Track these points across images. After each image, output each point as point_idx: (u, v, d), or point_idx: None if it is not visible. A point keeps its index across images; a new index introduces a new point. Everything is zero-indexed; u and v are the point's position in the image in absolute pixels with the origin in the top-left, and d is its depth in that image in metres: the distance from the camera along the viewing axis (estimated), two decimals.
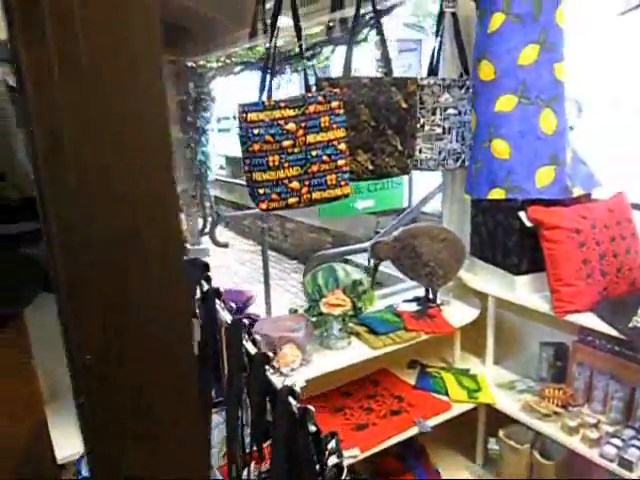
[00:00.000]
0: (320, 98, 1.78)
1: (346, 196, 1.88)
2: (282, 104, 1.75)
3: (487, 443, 2.24)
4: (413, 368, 2.34)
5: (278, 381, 0.88)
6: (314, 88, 1.88)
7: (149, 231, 0.51)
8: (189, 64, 6.94)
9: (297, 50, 1.90)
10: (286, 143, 1.76)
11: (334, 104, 1.81)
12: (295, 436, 0.80)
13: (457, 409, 2.07)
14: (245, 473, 0.95)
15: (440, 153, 2.16)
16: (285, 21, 1.92)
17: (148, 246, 0.51)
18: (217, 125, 7.71)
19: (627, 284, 1.92)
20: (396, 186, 3.79)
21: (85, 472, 1.25)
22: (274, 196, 1.79)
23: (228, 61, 6.48)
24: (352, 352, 1.93)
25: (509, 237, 2.09)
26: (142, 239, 0.51)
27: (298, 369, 1.76)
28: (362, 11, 2.05)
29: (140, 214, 0.51)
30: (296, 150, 1.77)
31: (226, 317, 0.93)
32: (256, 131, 1.74)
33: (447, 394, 2.11)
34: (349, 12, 2.38)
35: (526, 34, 1.85)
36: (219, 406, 1.07)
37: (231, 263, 7.19)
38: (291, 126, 1.75)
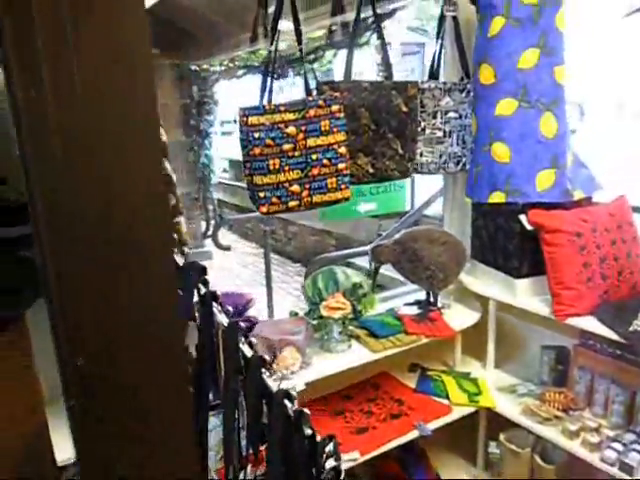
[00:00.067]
0: (320, 102, 1.79)
1: (346, 199, 1.89)
2: (282, 108, 1.76)
3: (488, 447, 2.24)
4: (414, 371, 2.34)
5: (275, 384, 0.88)
6: (315, 92, 1.89)
7: (140, 231, 0.52)
8: (193, 67, 6.97)
9: (299, 55, 1.91)
10: (286, 147, 1.77)
11: (334, 108, 1.81)
12: (291, 439, 0.81)
13: (458, 413, 2.07)
14: (242, 476, 0.95)
15: (441, 156, 2.16)
16: (287, 25, 1.93)
17: (139, 246, 0.51)
18: (220, 128, 7.74)
19: (628, 288, 1.91)
20: (398, 189, 3.80)
21: None
22: (274, 199, 1.80)
23: (231, 65, 6.51)
24: (352, 355, 1.93)
25: (510, 240, 2.09)
26: (133, 239, 0.51)
27: (298, 372, 1.77)
28: (364, 15, 2.06)
29: (131, 213, 0.51)
30: (296, 154, 1.78)
31: (223, 320, 0.94)
32: (257, 135, 1.75)
33: (448, 397, 2.11)
34: (351, 16, 2.38)
35: (526, 38, 1.85)
36: (217, 409, 1.08)
37: (234, 266, 7.20)
38: (291, 130, 1.76)
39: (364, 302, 2.00)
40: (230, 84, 7.17)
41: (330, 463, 0.88)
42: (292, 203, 1.81)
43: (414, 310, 2.22)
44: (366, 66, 5.03)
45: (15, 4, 0.46)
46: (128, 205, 0.51)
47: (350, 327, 1.99)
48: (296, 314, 2.02)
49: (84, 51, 0.49)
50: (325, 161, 1.81)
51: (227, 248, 7.16)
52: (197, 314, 1.01)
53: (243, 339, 0.90)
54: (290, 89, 5.48)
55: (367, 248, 2.29)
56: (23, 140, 0.48)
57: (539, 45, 1.85)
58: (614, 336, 1.77)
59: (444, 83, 2.13)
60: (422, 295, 2.30)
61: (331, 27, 4.17)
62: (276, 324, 1.90)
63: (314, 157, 1.80)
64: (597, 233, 1.88)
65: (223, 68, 6.77)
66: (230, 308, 0.99)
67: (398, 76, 2.05)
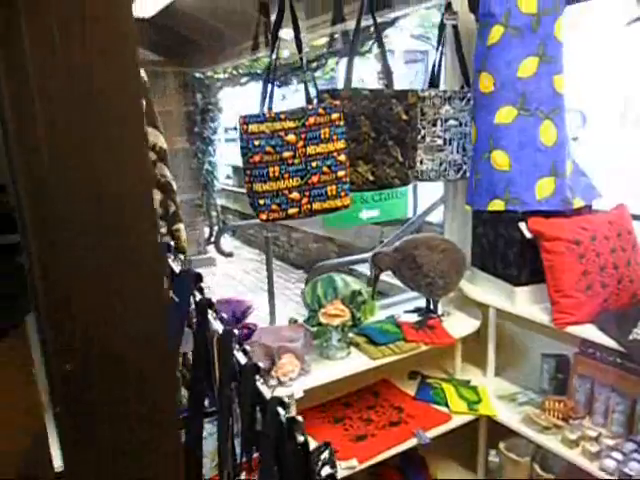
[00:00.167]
0: (320, 110, 1.80)
1: (346, 207, 1.89)
2: (283, 116, 1.78)
3: (488, 455, 2.23)
4: (414, 379, 2.33)
5: (269, 391, 0.88)
6: (315, 100, 1.90)
7: (128, 236, 0.52)
8: (197, 75, 7.02)
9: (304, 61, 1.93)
10: (286, 154, 1.78)
11: (334, 116, 1.83)
12: (284, 446, 0.81)
13: (457, 421, 2.06)
14: None
15: (441, 164, 2.17)
16: (290, 33, 1.94)
17: (127, 253, 0.52)
18: (224, 135, 7.78)
19: (628, 296, 1.91)
20: (401, 196, 3.80)
21: None
22: (274, 207, 1.81)
23: (235, 72, 6.55)
24: (351, 362, 1.93)
25: (509, 248, 2.09)
26: (120, 244, 0.52)
27: (297, 379, 1.77)
28: (366, 23, 2.08)
29: (117, 218, 0.52)
30: (296, 161, 1.79)
31: (218, 327, 0.94)
32: (257, 142, 1.76)
33: (447, 405, 2.10)
34: (352, 25, 2.40)
35: (525, 46, 1.86)
36: (212, 416, 1.08)
37: (237, 272, 7.21)
38: (291, 137, 1.77)
39: (363, 309, 2.00)
40: (234, 91, 7.21)
41: (326, 471, 0.88)
42: (292, 210, 1.82)
43: (414, 317, 2.22)
44: (368, 74, 5.06)
45: (1, 4, 0.47)
46: (116, 211, 0.52)
47: (349, 334, 1.99)
48: (295, 321, 2.03)
49: (69, 51, 0.50)
50: (325, 169, 1.82)
51: (229, 254, 7.17)
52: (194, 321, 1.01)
53: (238, 346, 0.91)
54: (292, 96, 5.51)
55: (367, 255, 2.30)
56: (10, 145, 0.48)
57: (538, 54, 1.86)
58: (614, 344, 1.76)
59: (444, 91, 2.15)
60: (422, 302, 2.30)
61: (333, 35, 4.19)
62: (275, 331, 1.90)
63: (314, 165, 1.81)
64: (596, 241, 1.88)
65: (227, 75, 6.82)
66: (225, 315, 1.00)
67: (402, 83, 2.07)
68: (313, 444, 0.87)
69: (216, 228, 7.72)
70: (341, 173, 1.85)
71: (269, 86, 1.85)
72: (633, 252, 1.93)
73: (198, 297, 0.95)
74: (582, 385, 2.02)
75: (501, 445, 2.13)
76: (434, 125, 2.14)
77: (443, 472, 2.32)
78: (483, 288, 2.27)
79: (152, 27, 5.40)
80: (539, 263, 1.94)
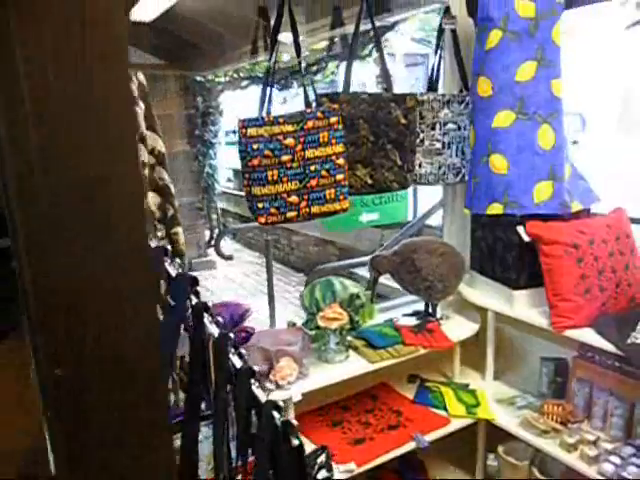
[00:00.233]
0: (319, 114, 1.81)
1: (344, 210, 1.90)
2: (281, 120, 1.78)
3: (486, 459, 2.23)
4: (413, 382, 2.33)
5: (264, 395, 0.89)
6: (314, 104, 1.91)
7: (119, 239, 0.52)
8: (198, 79, 7.04)
9: (302, 65, 1.93)
10: (285, 158, 1.78)
11: (333, 120, 1.83)
12: (279, 450, 0.81)
13: (456, 424, 2.06)
14: None
15: (440, 168, 2.18)
16: (290, 37, 1.95)
17: (119, 257, 0.52)
18: (225, 138, 7.79)
19: (626, 300, 1.91)
20: (401, 199, 3.81)
21: None
22: (273, 210, 1.81)
23: (235, 75, 6.57)
24: (350, 366, 1.93)
25: (508, 252, 2.09)
26: (112, 248, 0.52)
27: (295, 382, 1.77)
28: (366, 27, 2.08)
29: (109, 221, 0.52)
30: (295, 165, 1.79)
31: (214, 331, 0.95)
32: (255, 146, 1.77)
33: (446, 409, 2.10)
34: (352, 29, 2.41)
35: (523, 51, 1.87)
36: (209, 419, 1.08)
37: (237, 275, 7.21)
38: (289, 141, 1.78)
39: (362, 313, 2.01)
40: (234, 94, 7.23)
41: (322, 474, 0.89)
42: (290, 214, 1.83)
43: (412, 321, 2.22)
44: (369, 78, 5.07)
45: None
46: (107, 214, 0.52)
47: (348, 338, 2.00)
48: (294, 324, 2.03)
49: (62, 52, 0.50)
50: (323, 172, 1.83)
51: (229, 257, 7.18)
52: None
53: (233, 350, 0.91)
54: (293, 100, 5.53)
55: (366, 259, 2.30)
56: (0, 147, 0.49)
57: (536, 58, 1.86)
58: (612, 348, 1.76)
59: (443, 95, 2.15)
60: (422, 306, 2.30)
61: (333, 39, 4.21)
62: (273, 334, 1.90)
63: (312, 168, 1.81)
64: (595, 245, 1.88)
65: (228, 79, 6.84)
66: (221, 319, 1.00)
67: (403, 86, 2.08)
68: (311, 447, 0.88)
69: (217, 231, 7.72)
70: (340, 176, 1.85)
71: (268, 90, 1.86)
72: (631, 256, 1.93)
73: (194, 301, 0.96)
74: (581, 389, 2.02)
75: (500, 449, 2.13)
76: (433, 129, 2.14)
77: (442, 476, 2.32)
78: (482, 292, 2.27)
79: (153, 31, 5.43)
80: (537, 267, 1.94)
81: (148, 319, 0.52)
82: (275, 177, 1.78)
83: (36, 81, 0.48)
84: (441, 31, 2.18)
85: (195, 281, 1.02)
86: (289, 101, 5.72)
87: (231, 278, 7.10)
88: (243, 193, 1.85)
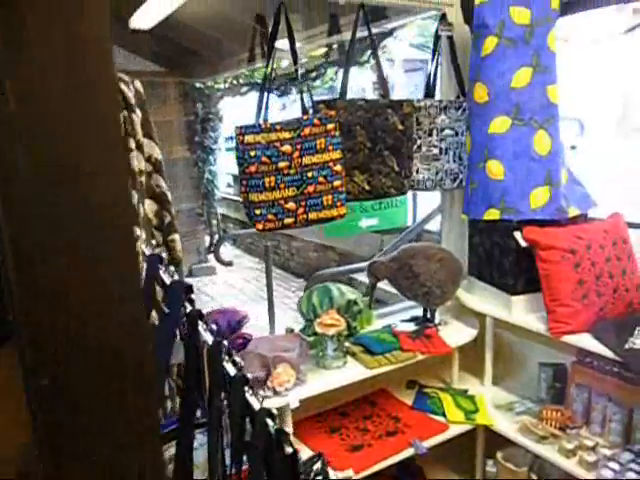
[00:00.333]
0: (316, 120, 1.82)
1: (342, 216, 1.90)
2: (278, 127, 1.79)
3: (485, 465, 2.22)
4: (412, 388, 2.33)
5: (258, 402, 0.89)
6: (311, 110, 1.92)
7: (107, 247, 0.53)
8: (197, 85, 7.06)
9: (300, 72, 1.94)
10: (282, 164, 1.79)
11: (330, 126, 1.84)
12: (272, 458, 0.81)
13: (454, 430, 2.06)
14: None
15: (437, 173, 2.18)
16: (288, 44, 1.96)
17: (106, 266, 0.52)
18: (225, 144, 7.81)
19: (624, 305, 1.91)
20: (400, 205, 3.81)
21: None
22: (270, 216, 1.81)
23: (235, 82, 6.59)
24: (347, 372, 1.93)
25: (505, 257, 2.10)
26: (99, 256, 0.52)
27: (293, 389, 1.77)
28: (365, 34, 2.09)
29: (95, 228, 0.52)
30: (292, 171, 1.80)
31: (208, 339, 0.95)
32: (252, 153, 1.77)
33: (444, 415, 2.10)
34: (349, 36, 2.42)
35: (519, 57, 1.88)
36: (203, 426, 1.08)
37: (237, 281, 7.21)
38: (287, 148, 1.78)
39: (360, 319, 2.01)
40: (234, 101, 7.24)
41: None
42: (288, 220, 1.83)
43: (411, 327, 2.22)
44: (368, 83, 5.08)
45: None
46: (94, 221, 0.52)
47: (346, 344, 2.00)
48: (292, 330, 2.03)
49: (44, 50, 0.50)
50: (320, 179, 1.83)
51: (229, 263, 7.17)
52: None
53: (227, 357, 0.92)
54: (291, 106, 5.54)
55: (364, 265, 2.30)
56: None
57: (532, 64, 1.87)
58: (610, 354, 1.76)
59: (440, 101, 2.16)
60: (420, 311, 2.30)
61: (331, 45, 4.22)
62: (271, 341, 1.90)
63: (309, 175, 1.82)
64: (591, 250, 1.88)
65: (227, 85, 6.85)
66: (215, 326, 1.00)
67: (402, 92, 2.09)
68: (308, 454, 0.88)
69: (217, 237, 7.73)
70: (337, 183, 1.86)
71: (265, 97, 1.87)
72: (628, 261, 1.93)
73: (188, 308, 0.96)
74: (579, 394, 2.01)
75: (498, 455, 2.13)
76: (430, 135, 2.15)
77: None
78: (480, 297, 2.27)
79: (153, 38, 5.45)
80: (535, 272, 1.94)
81: (136, 329, 0.52)
82: (272, 184, 1.79)
83: (19, 80, 0.48)
84: (438, 38, 2.19)
85: (189, 289, 1.02)
86: (288, 107, 5.73)
87: (231, 284, 7.10)
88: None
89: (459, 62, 2.19)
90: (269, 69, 1.88)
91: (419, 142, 2.15)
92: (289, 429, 1.76)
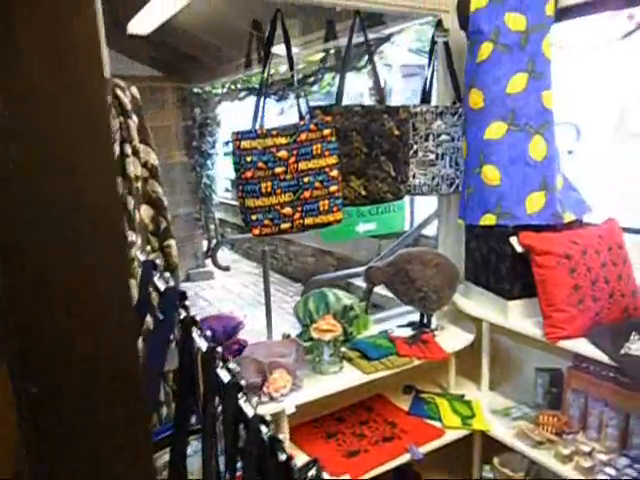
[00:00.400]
0: (312, 126, 1.82)
1: (338, 222, 1.91)
2: (274, 132, 1.80)
3: (482, 470, 2.21)
4: (408, 393, 2.33)
5: (253, 409, 0.89)
6: (308, 116, 1.92)
7: (96, 253, 0.53)
8: (195, 90, 7.08)
9: (298, 78, 1.95)
10: (278, 170, 1.79)
11: (326, 132, 1.85)
12: (266, 464, 0.81)
13: (451, 435, 2.06)
14: None
15: (434, 179, 2.19)
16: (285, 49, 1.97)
17: (97, 273, 0.52)
18: (223, 149, 7.82)
19: (619, 310, 1.91)
20: (398, 209, 3.82)
21: None
22: (267, 222, 1.82)
23: (233, 87, 6.61)
24: (344, 377, 1.93)
25: (501, 262, 2.10)
26: (89, 262, 0.52)
27: (289, 394, 1.76)
28: (362, 39, 2.10)
29: (84, 233, 0.52)
30: (288, 177, 1.80)
31: (202, 345, 0.95)
32: (249, 158, 1.78)
33: (441, 420, 2.10)
34: (345, 41, 2.42)
35: (514, 63, 1.89)
36: (198, 433, 1.08)
37: (235, 285, 7.20)
38: (283, 153, 1.79)
39: (356, 324, 2.01)
40: (232, 106, 7.26)
41: None
42: (284, 225, 1.83)
43: (407, 332, 2.22)
44: (366, 89, 5.10)
45: None
46: (83, 226, 0.52)
47: (342, 349, 1.99)
48: (288, 336, 2.03)
49: (33, 51, 0.51)
50: (317, 184, 1.84)
51: (226, 268, 7.17)
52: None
53: (221, 364, 0.92)
54: (289, 111, 5.55)
55: (360, 270, 2.31)
56: None
57: (527, 70, 1.88)
58: (606, 359, 1.76)
59: (436, 107, 2.17)
60: (417, 316, 2.30)
61: (328, 51, 4.24)
62: (267, 346, 1.90)
63: (306, 180, 1.82)
64: (587, 255, 1.88)
65: (225, 90, 6.87)
66: (210, 332, 1.01)
67: (400, 97, 2.10)
68: (305, 460, 0.88)
69: (214, 241, 7.73)
70: (333, 188, 1.86)
71: (262, 102, 1.87)
72: (624, 266, 1.94)
73: (183, 314, 0.96)
74: (576, 399, 2.01)
75: (495, 460, 2.12)
76: (426, 140, 2.16)
77: None
78: (477, 302, 2.27)
79: (150, 44, 5.47)
80: (531, 277, 1.94)
81: (127, 336, 0.52)
82: (269, 189, 1.79)
83: (9, 80, 0.48)
84: (434, 44, 2.21)
85: (184, 295, 1.02)
86: (286, 112, 5.75)
87: (229, 288, 7.10)
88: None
89: (455, 68, 2.20)
90: (265, 74, 1.88)
91: (415, 147, 2.16)
92: (285, 435, 1.76)
